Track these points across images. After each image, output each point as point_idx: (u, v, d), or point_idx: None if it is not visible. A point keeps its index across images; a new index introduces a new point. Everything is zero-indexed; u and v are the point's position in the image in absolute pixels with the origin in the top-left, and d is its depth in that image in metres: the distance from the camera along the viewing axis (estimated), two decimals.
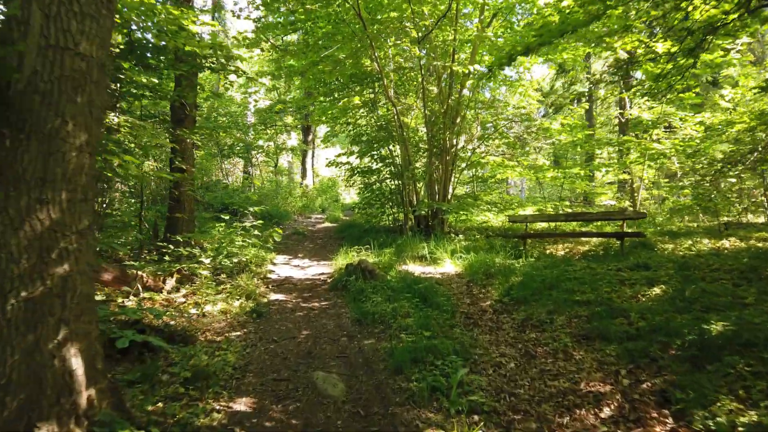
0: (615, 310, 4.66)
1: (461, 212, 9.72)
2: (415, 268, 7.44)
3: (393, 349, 3.92)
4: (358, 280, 6.00)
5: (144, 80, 5.55)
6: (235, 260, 5.82)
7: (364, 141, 10.97)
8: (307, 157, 20.12)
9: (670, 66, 7.16)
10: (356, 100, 8.76)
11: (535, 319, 4.77)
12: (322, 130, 20.58)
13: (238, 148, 17.67)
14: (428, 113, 10.01)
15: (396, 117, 9.89)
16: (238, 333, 4.41)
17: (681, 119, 9.77)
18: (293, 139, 24.77)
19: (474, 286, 6.38)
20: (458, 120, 10.16)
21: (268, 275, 7.01)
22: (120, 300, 5.15)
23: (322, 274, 7.25)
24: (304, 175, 20.13)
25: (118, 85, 5.78)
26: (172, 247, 5.62)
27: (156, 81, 6.58)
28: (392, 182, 11.26)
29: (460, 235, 9.75)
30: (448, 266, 7.43)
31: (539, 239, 8.58)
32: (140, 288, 5.28)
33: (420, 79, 9.87)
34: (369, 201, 11.40)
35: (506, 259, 7.54)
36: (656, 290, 5.29)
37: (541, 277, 5.95)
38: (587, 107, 14.71)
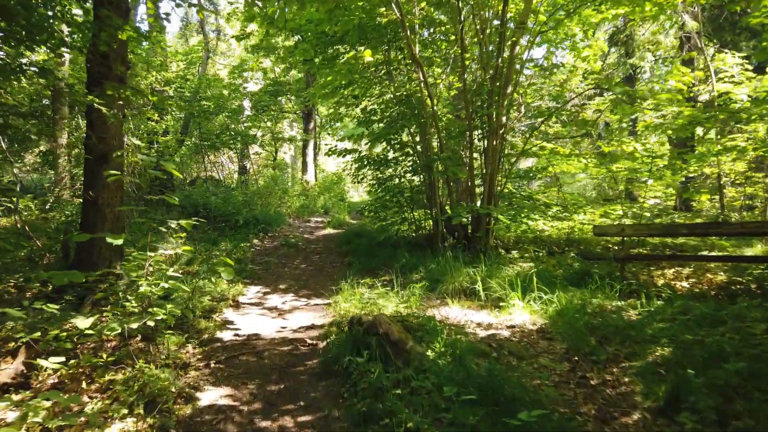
0: None
1: (522, 218, 6.81)
2: (464, 315, 4.56)
3: None
4: (372, 360, 3.14)
5: None
6: (136, 326, 2.96)
7: (377, 120, 8.06)
8: (308, 149, 17.13)
9: None
10: (368, 55, 5.89)
11: None
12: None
13: (226, 137, 14.91)
14: (468, 80, 7.08)
15: (423, 84, 6.98)
16: None
17: None
18: (294, 130, 21.93)
19: (584, 364, 3.49)
20: (509, 90, 7.22)
21: (220, 332, 4.17)
22: None
23: (311, 328, 4.36)
24: (304, 169, 17.17)
25: None
26: (11, 315, 2.75)
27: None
28: (414, 177, 8.35)
29: (513, 252, 6.86)
30: (519, 314, 4.53)
31: (647, 262, 5.67)
32: None
33: (458, 29, 6.94)
34: (383, 202, 8.51)
35: (610, 300, 4.66)
36: None
37: (714, 351, 3.14)
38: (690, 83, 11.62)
